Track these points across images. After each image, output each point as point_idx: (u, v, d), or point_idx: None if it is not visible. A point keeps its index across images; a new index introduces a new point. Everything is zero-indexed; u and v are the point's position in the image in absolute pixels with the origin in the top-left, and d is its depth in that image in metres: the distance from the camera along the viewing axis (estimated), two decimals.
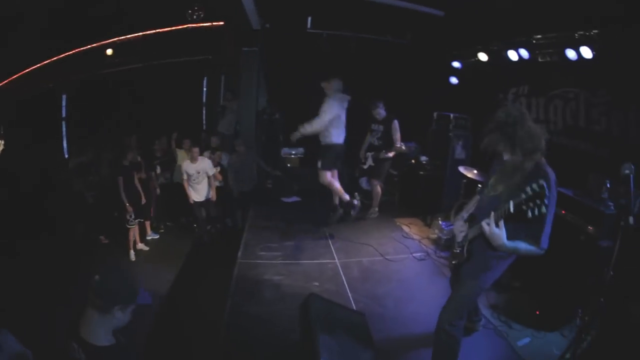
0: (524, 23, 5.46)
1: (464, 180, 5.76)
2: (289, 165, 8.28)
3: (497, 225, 2.30)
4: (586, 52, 4.58)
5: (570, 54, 4.80)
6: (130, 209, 6.44)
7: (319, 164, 5.86)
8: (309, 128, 5.59)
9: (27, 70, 12.22)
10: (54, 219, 7.11)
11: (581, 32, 4.63)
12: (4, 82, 12.67)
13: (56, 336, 1.85)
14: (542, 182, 2.10)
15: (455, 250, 2.97)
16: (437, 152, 6.81)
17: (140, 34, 10.73)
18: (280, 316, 3.76)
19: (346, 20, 7.89)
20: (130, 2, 8.78)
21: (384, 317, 3.72)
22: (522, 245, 2.37)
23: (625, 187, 2.45)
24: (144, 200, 6.79)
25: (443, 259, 5.03)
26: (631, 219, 2.45)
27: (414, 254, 5.15)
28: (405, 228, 6.13)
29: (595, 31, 4.47)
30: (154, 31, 10.64)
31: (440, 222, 5.59)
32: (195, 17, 8.98)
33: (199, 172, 6.71)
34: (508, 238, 2.31)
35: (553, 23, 5.07)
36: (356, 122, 6.54)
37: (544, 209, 2.11)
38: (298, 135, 5.70)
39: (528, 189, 2.14)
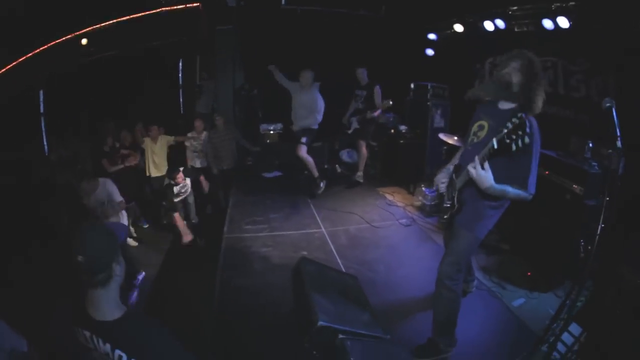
0: None
1: (445, 147, 5.83)
2: (268, 141, 8.14)
3: (482, 167, 2.37)
4: (563, 22, 4.63)
5: (547, 24, 4.85)
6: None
7: (304, 141, 6.04)
8: (317, 120, 6.09)
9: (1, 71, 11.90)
10: (44, 215, 6.90)
11: (558, 4, 4.67)
12: None
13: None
14: (520, 114, 2.17)
15: (445, 205, 2.97)
16: (416, 122, 6.83)
17: (113, 21, 10.38)
18: (271, 287, 3.73)
19: None
20: None
21: (375, 281, 3.74)
22: (510, 189, 2.42)
23: (610, 120, 2.44)
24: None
25: (429, 225, 5.08)
26: (621, 167, 2.48)
27: (399, 221, 5.18)
28: (389, 197, 6.16)
29: (572, 3, 4.51)
30: (127, 17, 10.32)
31: (423, 188, 5.65)
32: None
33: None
34: (495, 182, 2.38)
35: None
36: (335, 95, 6.60)
37: (527, 139, 2.17)
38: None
39: (508, 124, 2.21)
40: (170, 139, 7.03)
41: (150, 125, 7.03)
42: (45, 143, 11.40)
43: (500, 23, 5.66)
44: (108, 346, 1.57)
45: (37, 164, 8.07)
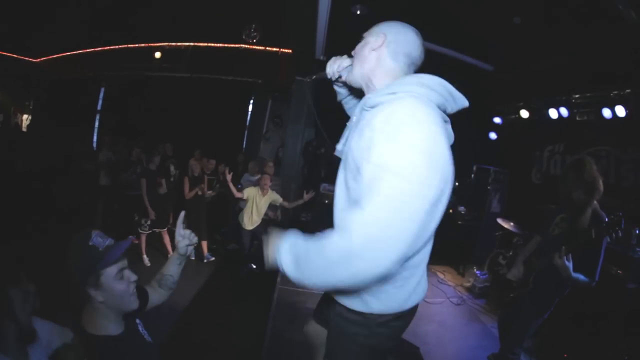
0: (564, 81, 5.81)
1: (498, 233, 6.07)
2: (326, 201, 8.25)
3: (567, 259, 2.71)
4: (620, 111, 4.99)
5: (606, 112, 5.18)
6: (152, 213, 6.41)
7: None
8: None
9: (70, 53, 12.68)
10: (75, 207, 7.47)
11: (616, 92, 5.04)
12: (42, 59, 13.28)
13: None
14: (620, 212, 2.61)
15: (513, 284, 3.33)
16: (474, 204, 7.06)
17: (191, 43, 11.03)
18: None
19: None
20: (185, 9, 8.86)
21: (429, 353, 3.92)
22: (582, 278, 2.75)
23: None
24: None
25: (477, 306, 5.28)
26: None
27: (450, 299, 5.39)
28: (440, 275, 6.38)
29: (628, 90, 4.88)
30: (205, 44, 10.97)
31: (475, 270, 5.89)
32: (251, 37, 8.80)
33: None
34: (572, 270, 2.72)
35: (591, 82, 5.45)
36: None
37: (620, 234, 2.59)
38: None
39: (610, 219, 2.64)
40: (278, 200, 6.64)
41: (264, 176, 6.76)
42: (95, 140, 12.33)
43: (564, 111, 5.94)
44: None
45: (84, 158, 8.29)
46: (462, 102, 1.60)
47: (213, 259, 6.95)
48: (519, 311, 3.27)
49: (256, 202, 6.38)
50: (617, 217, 2.58)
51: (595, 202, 2.89)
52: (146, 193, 6.39)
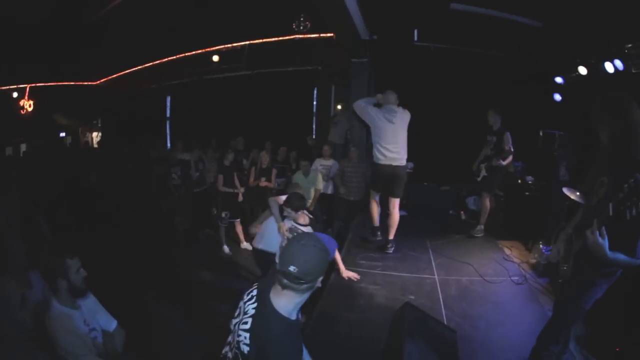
0: (616, 31, 5.40)
1: (567, 203, 5.65)
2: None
3: (600, 234, 2.26)
4: None
5: None
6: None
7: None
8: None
9: (132, 70, 13.99)
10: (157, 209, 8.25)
11: None
12: (101, 80, 14.54)
13: None
14: (637, 174, 2.08)
15: (562, 268, 2.96)
16: (542, 172, 6.69)
17: (247, 42, 11.78)
18: (369, 324, 3.98)
19: (451, 33, 8.10)
20: (236, 11, 9.49)
21: (473, 337, 3.85)
22: (622, 257, 2.30)
23: None
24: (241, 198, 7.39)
25: (539, 285, 5.02)
26: None
27: (512, 278, 5.15)
28: (507, 250, 6.13)
29: None
30: (260, 40, 11.65)
31: (541, 246, 5.57)
32: (301, 27, 9.42)
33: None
34: (609, 249, 2.27)
35: None
36: (466, 138, 6.87)
37: None
38: None
39: (625, 186, 2.12)
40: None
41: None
42: (169, 144, 13.12)
43: (618, 64, 5.52)
44: (253, 305, 1.83)
45: (157, 162, 8.98)
46: None
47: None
48: (558, 302, 3.01)
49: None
50: (635, 185, 2.06)
51: (636, 156, 2.38)
52: (222, 187, 7.06)
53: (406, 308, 3.41)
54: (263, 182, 7.73)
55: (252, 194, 7.77)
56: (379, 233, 6.13)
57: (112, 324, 2.91)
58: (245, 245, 7.42)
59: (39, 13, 9.18)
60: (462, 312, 4.34)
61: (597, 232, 2.26)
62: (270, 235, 4.78)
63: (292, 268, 1.69)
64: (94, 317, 2.82)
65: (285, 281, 1.73)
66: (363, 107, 5.70)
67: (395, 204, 5.75)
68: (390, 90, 5.65)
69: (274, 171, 7.83)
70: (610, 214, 2.22)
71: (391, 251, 5.82)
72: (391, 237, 5.84)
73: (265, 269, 4.86)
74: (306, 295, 1.82)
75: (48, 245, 4.73)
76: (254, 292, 1.91)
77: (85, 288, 2.76)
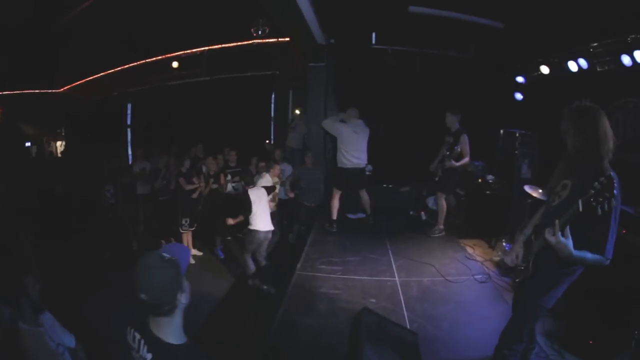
0: (580, 31, 5.43)
1: (529, 200, 5.60)
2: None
3: (562, 234, 2.24)
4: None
5: (625, 60, 4.76)
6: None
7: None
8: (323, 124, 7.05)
9: (93, 77, 13.73)
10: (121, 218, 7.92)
11: (633, 36, 4.59)
12: (66, 87, 14.29)
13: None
14: (609, 173, 2.16)
15: (519, 267, 2.90)
16: (504, 171, 6.66)
17: (206, 48, 11.74)
18: (331, 330, 3.86)
19: (410, 35, 8.10)
20: (194, 17, 9.44)
21: (437, 338, 3.71)
22: (589, 255, 2.28)
23: None
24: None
25: (504, 283, 4.89)
26: None
27: (475, 276, 5.04)
28: (469, 249, 6.02)
29: None
30: (219, 46, 11.63)
31: (504, 244, 5.49)
32: (260, 32, 9.38)
33: None
34: (574, 247, 2.25)
35: (608, 29, 5.06)
36: (426, 139, 6.83)
37: (613, 202, 2.11)
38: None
39: (596, 184, 2.13)
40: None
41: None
42: (130, 153, 13.03)
43: (582, 63, 5.57)
44: (150, 356, 1.70)
45: (121, 172, 8.71)
46: None
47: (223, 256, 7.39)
48: (519, 301, 2.91)
49: None
50: (607, 181, 2.10)
51: (603, 161, 2.38)
52: (187, 186, 7.00)
53: (364, 313, 3.31)
54: (212, 185, 7.48)
55: (206, 200, 7.51)
56: (335, 226, 6.82)
57: (71, 339, 2.86)
58: (194, 251, 7.23)
59: (6, 20, 8.85)
60: (424, 314, 4.18)
61: (560, 232, 2.25)
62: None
63: (143, 296, 1.61)
64: (56, 332, 2.75)
65: (150, 310, 1.69)
66: (331, 123, 6.91)
67: (362, 192, 6.92)
68: (352, 107, 6.72)
69: (222, 177, 7.61)
70: (580, 209, 2.19)
71: (371, 222, 7.02)
72: (369, 212, 7.04)
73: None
74: (179, 315, 1.73)
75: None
76: (137, 336, 1.76)
77: (41, 302, 2.74)
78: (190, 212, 7.09)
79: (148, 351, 1.70)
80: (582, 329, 3.78)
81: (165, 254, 1.70)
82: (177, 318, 1.72)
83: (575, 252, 2.26)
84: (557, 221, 2.29)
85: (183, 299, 1.70)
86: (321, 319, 4.11)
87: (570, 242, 2.24)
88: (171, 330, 1.70)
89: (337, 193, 6.82)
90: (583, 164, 2.47)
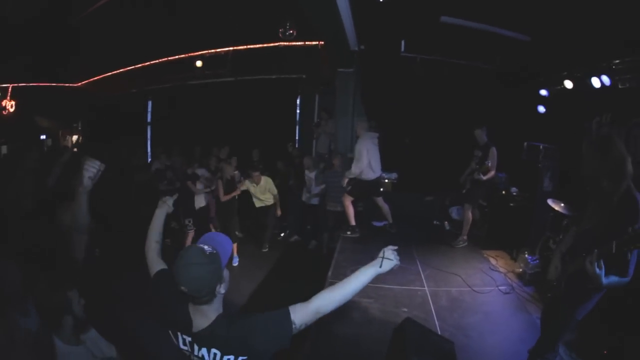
0: (604, 47, 5.55)
1: (551, 214, 5.83)
2: (381, 189, 8.27)
3: (598, 266, 2.44)
4: None
5: None
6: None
7: (348, 189, 6.79)
8: (354, 171, 6.68)
9: (116, 72, 13.57)
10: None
11: None
12: (83, 82, 14.29)
13: None
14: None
15: (553, 283, 3.13)
16: (527, 184, 6.88)
17: (231, 48, 11.55)
18: (367, 339, 4.03)
19: (438, 44, 8.22)
20: (221, 17, 9.32)
21: (468, 347, 3.94)
22: (614, 279, 2.52)
23: None
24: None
25: (526, 294, 5.16)
26: None
27: (499, 287, 5.28)
28: (493, 260, 6.25)
29: None
30: (245, 47, 11.46)
31: (526, 255, 5.73)
32: (287, 34, 9.20)
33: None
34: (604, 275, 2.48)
35: (630, 46, 5.17)
36: (450, 148, 7.04)
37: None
38: (346, 181, 6.77)
39: (630, 230, 2.33)
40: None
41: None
42: (149, 150, 13.01)
43: (605, 79, 5.68)
44: (204, 350, 1.81)
45: (137, 170, 8.85)
46: None
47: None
48: (553, 313, 3.15)
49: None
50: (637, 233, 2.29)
51: (627, 186, 2.57)
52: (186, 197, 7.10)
53: (407, 324, 3.44)
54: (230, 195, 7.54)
55: (222, 208, 7.64)
56: (357, 230, 7.01)
57: (111, 349, 2.67)
58: None
59: (25, 12, 8.88)
60: (455, 323, 4.43)
61: (596, 264, 2.45)
62: None
63: (183, 288, 1.72)
64: (99, 347, 2.58)
65: (190, 299, 1.80)
66: (360, 151, 6.68)
67: (380, 200, 7.16)
68: (362, 119, 6.99)
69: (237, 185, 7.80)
70: (613, 251, 2.38)
71: (394, 231, 7.12)
72: (390, 220, 7.20)
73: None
74: (218, 302, 1.87)
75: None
76: (187, 339, 1.88)
77: (87, 319, 2.49)
78: (191, 212, 7.31)
79: (201, 348, 1.83)
80: (598, 339, 3.99)
81: (206, 248, 1.78)
82: (216, 304, 1.85)
83: (605, 280, 2.49)
84: (595, 251, 2.47)
85: (222, 289, 1.82)
86: (357, 327, 4.25)
87: (603, 273, 2.46)
88: (210, 314, 1.84)
89: (350, 199, 6.89)
90: (610, 195, 2.62)
